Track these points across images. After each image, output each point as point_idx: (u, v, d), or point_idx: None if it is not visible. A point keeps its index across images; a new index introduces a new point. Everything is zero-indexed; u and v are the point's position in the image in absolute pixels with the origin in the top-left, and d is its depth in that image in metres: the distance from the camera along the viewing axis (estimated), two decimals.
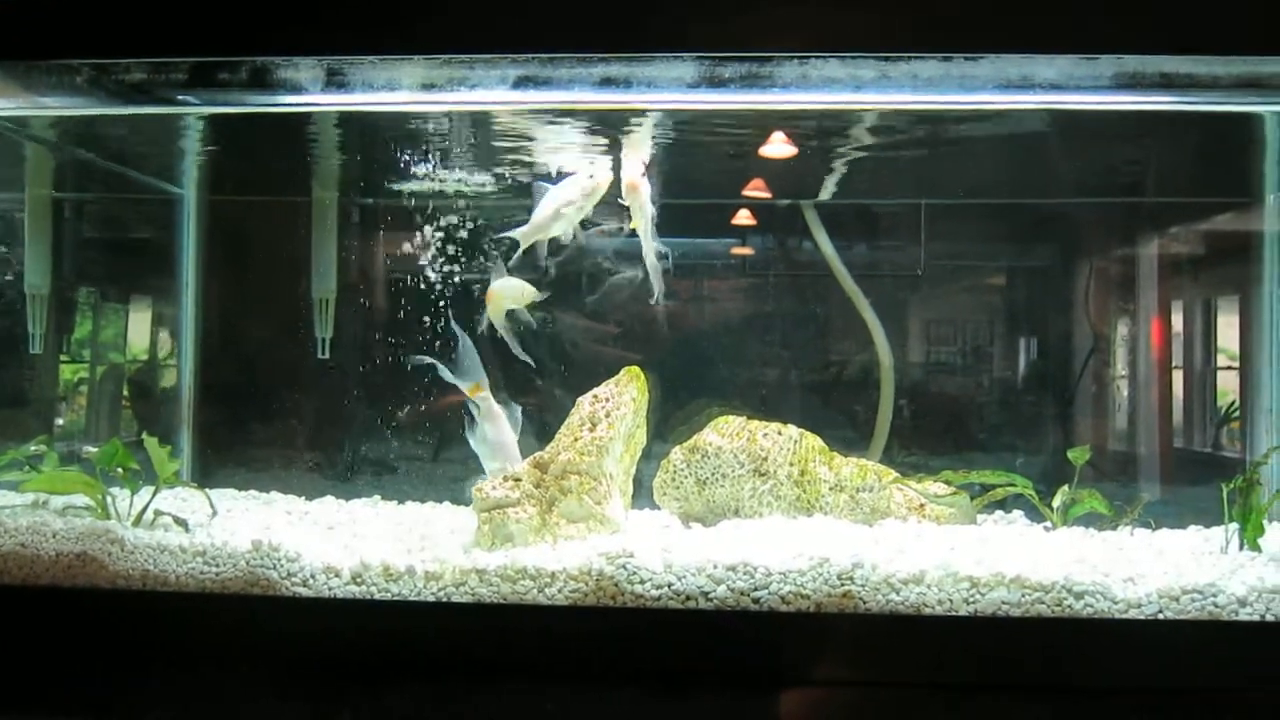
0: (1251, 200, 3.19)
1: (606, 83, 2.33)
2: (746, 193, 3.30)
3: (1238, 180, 3.21)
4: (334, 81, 2.42)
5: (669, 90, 2.40)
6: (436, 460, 3.28)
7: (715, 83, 2.33)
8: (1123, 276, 3.48)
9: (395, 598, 2.11)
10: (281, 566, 2.15)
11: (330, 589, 2.13)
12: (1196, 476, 3.40)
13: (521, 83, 2.36)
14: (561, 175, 2.70)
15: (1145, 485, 3.38)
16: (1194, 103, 2.47)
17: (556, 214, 2.60)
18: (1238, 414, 3.30)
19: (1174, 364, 3.44)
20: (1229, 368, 3.36)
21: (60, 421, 3.48)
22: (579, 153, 2.85)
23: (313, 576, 2.14)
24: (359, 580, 2.13)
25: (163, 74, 2.46)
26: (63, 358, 3.47)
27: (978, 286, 3.56)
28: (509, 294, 2.67)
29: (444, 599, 2.10)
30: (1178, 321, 3.46)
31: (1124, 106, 2.51)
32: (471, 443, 2.59)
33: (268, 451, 3.39)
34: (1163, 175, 3.35)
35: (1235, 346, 3.31)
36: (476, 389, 2.56)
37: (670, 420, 3.04)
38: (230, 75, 2.38)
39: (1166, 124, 2.69)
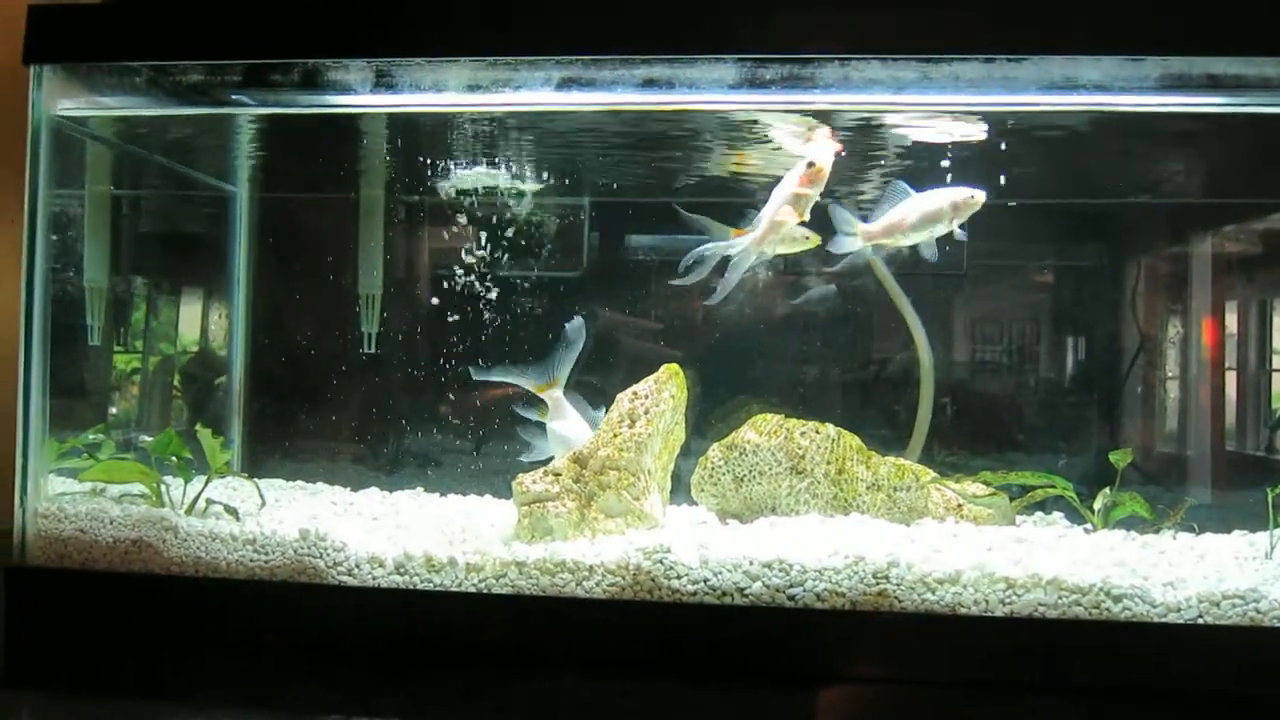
0: None
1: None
2: None
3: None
4: (383, 83, 2.48)
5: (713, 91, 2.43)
6: (478, 453, 3.32)
7: (756, 83, 2.36)
8: (1172, 277, 3.43)
9: (437, 588, 2.16)
10: (328, 556, 2.21)
11: (375, 578, 2.19)
12: (1247, 480, 3.35)
13: (566, 84, 2.40)
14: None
15: (1193, 488, 3.33)
16: (1243, 104, 2.44)
17: (920, 223, 2.55)
18: None
19: (1226, 365, 3.38)
20: None
21: (114, 411, 3.58)
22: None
23: (358, 566, 2.20)
24: (402, 570, 2.19)
25: (217, 75, 2.53)
26: (117, 349, 3.57)
27: (1022, 286, 3.53)
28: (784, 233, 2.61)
29: (485, 590, 2.14)
30: (1230, 322, 3.40)
31: (1173, 108, 2.49)
32: (549, 437, 2.60)
33: (314, 443, 3.46)
34: (1216, 175, 3.30)
35: None
36: (546, 387, 2.59)
37: (709, 417, 3.05)
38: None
39: (1220, 124, 2.65)
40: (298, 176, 3.51)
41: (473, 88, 2.50)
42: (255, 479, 2.83)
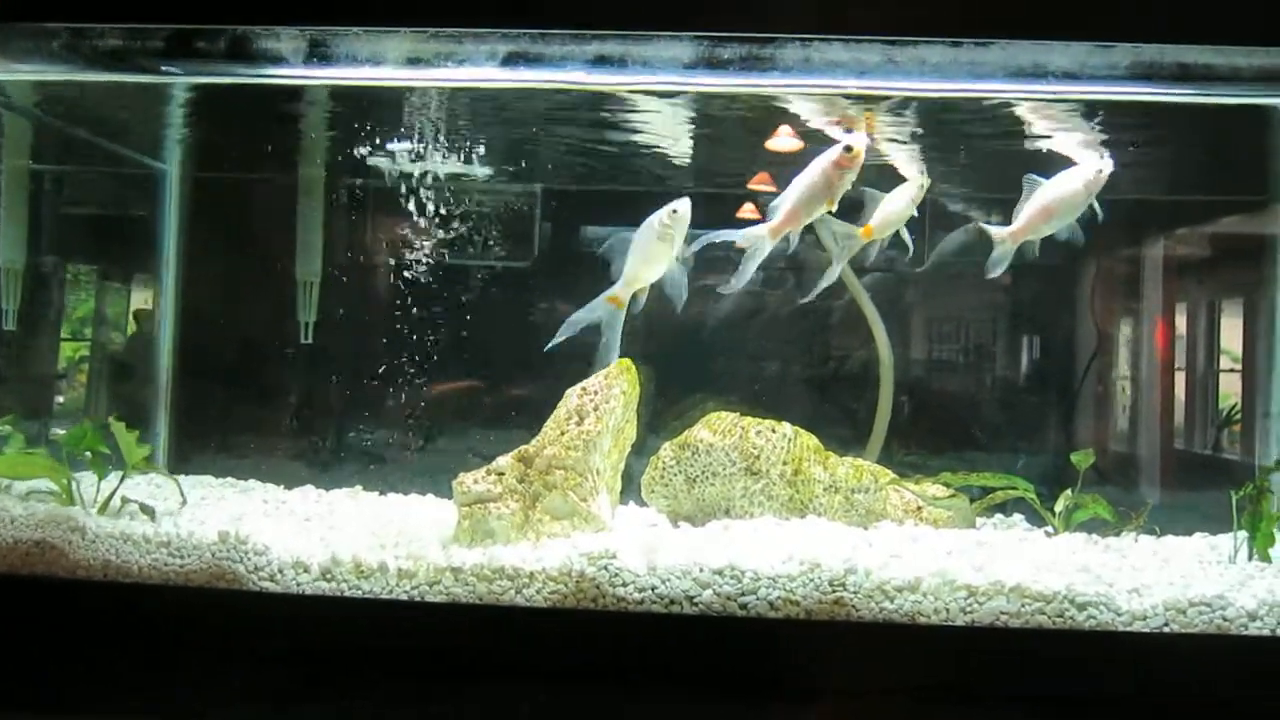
0: (1263, 201, 3.12)
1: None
2: (751, 186, 3.22)
3: (1250, 181, 3.14)
4: (316, 54, 2.33)
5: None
6: (424, 449, 3.20)
7: (714, 64, 2.25)
8: (1127, 277, 3.40)
9: (366, 596, 2.02)
10: (248, 560, 2.06)
11: (298, 584, 2.04)
12: (1197, 479, 3.33)
13: (512, 59, 2.28)
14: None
15: (1145, 487, 3.31)
16: (1211, 94, 2.38)
17: (1053, 211, 2.48)
18: (1239, 416, 3.25)
19: (1177, 365, 3.38)
20: (1232, 370, 3.30)
21: (53, 400, 3.40)
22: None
23: (281, 571, 2.05)
24: (329, 576, 2.04)
25: (140, 41, 2.37)
26: (65, 337, 3.41)
27: (980, 284, 3.48)
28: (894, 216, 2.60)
29: (417, 598, 2.01)
30: (1181, 323, 3.39)
31: (1139, 98, 2.43)
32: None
33: (249, 438, 3.31)
34: (1172, 172, 3.27)
35: (1238, 349, 3.25)
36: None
37: (663, 415, 2.95)
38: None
39: (1177, 120, 2.61)
40: (233, 154, 3.34)
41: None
42: (180, 476, 2.67)
